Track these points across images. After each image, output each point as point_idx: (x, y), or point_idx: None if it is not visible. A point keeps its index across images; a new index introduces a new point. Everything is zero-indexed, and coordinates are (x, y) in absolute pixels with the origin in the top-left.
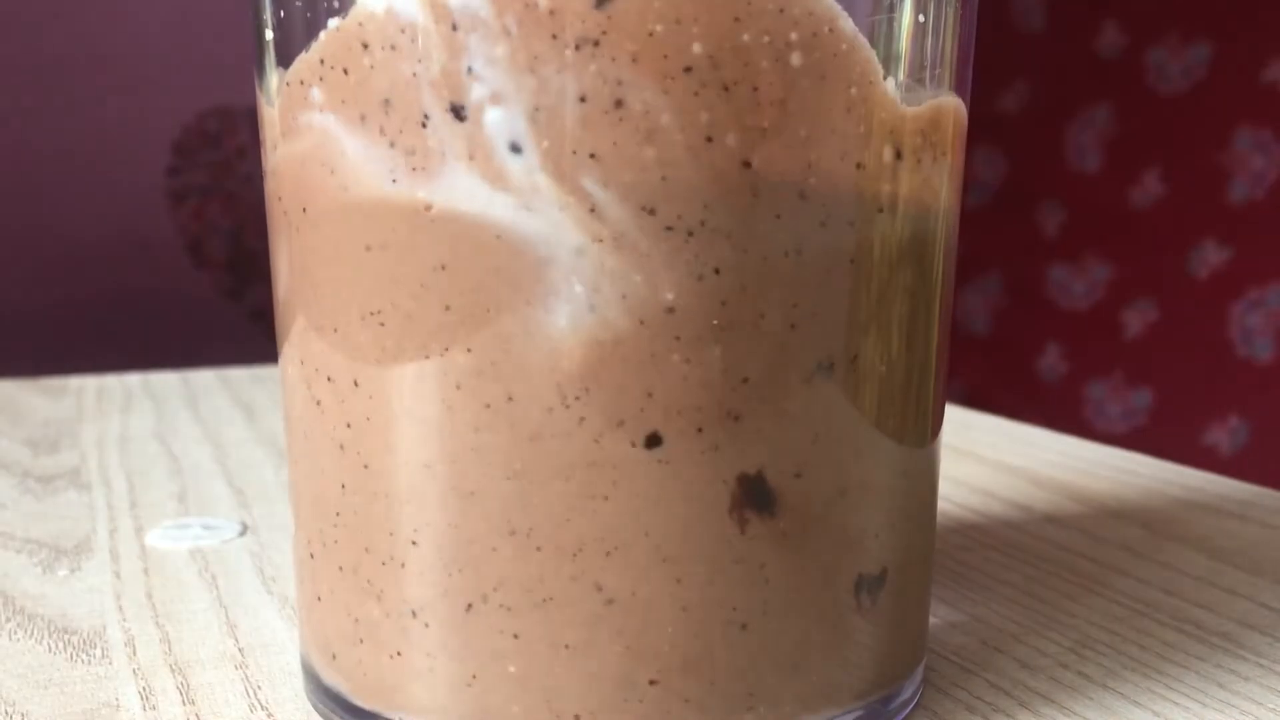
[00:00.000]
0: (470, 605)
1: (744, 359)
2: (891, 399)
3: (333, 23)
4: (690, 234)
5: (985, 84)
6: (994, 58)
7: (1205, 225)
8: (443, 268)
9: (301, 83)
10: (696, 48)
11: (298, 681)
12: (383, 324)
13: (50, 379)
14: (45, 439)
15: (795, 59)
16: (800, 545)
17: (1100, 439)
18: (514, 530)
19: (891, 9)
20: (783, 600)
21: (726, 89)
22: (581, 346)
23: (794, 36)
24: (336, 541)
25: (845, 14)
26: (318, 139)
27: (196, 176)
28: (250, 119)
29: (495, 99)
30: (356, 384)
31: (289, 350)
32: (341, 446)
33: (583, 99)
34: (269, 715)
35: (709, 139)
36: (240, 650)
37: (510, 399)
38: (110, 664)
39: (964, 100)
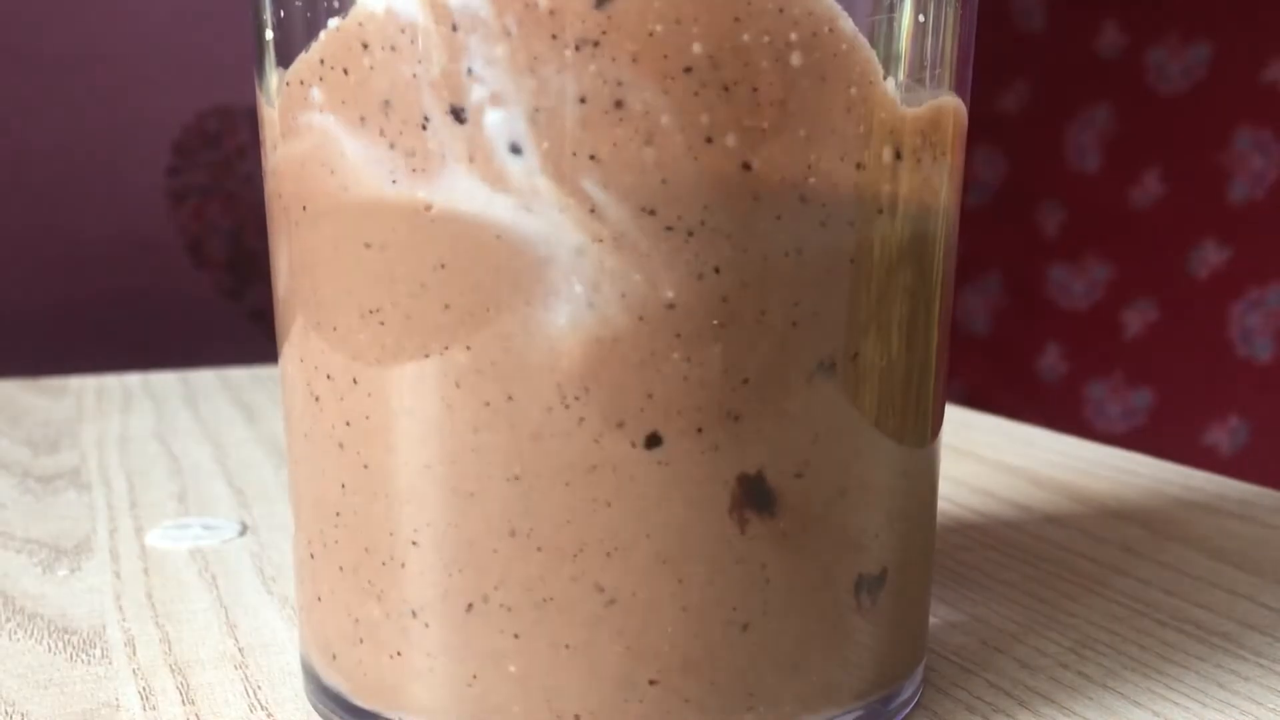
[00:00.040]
0: (471, 605)
1: (744, 357)
2: (891, 398)
3: (333, 23)
4: (690, 234)
5: (985, 84)
6: (994, 58)
7: (1205, 225)
8: (442, 267)
9: (301, 83)
10: (696, 48)
11: (298, 681)
12: (382, 322)
13: (50, 379)
14: (45, 439)
15: (795, 59)
16: (800, 545)
17: (1100, 439)
18: (514, 531)
19: (891, 9)
20: (783, 600)
21: (726, 89)
22: (581, 345)
23: (794, 36)
24: (336, 541)
25: (845, 14)
26: (318, 139)
27: (196, 176)
28: (250, 119)
29: (495, 100)
30: (356, 382)
31: (289, 349)
32: (341, 445)
33: (583, 100)
34: (269, 715)
35: (709, 139)
36: (240, 650)
37: (510, 398)
38: (110, 664)
39: (964, 100)
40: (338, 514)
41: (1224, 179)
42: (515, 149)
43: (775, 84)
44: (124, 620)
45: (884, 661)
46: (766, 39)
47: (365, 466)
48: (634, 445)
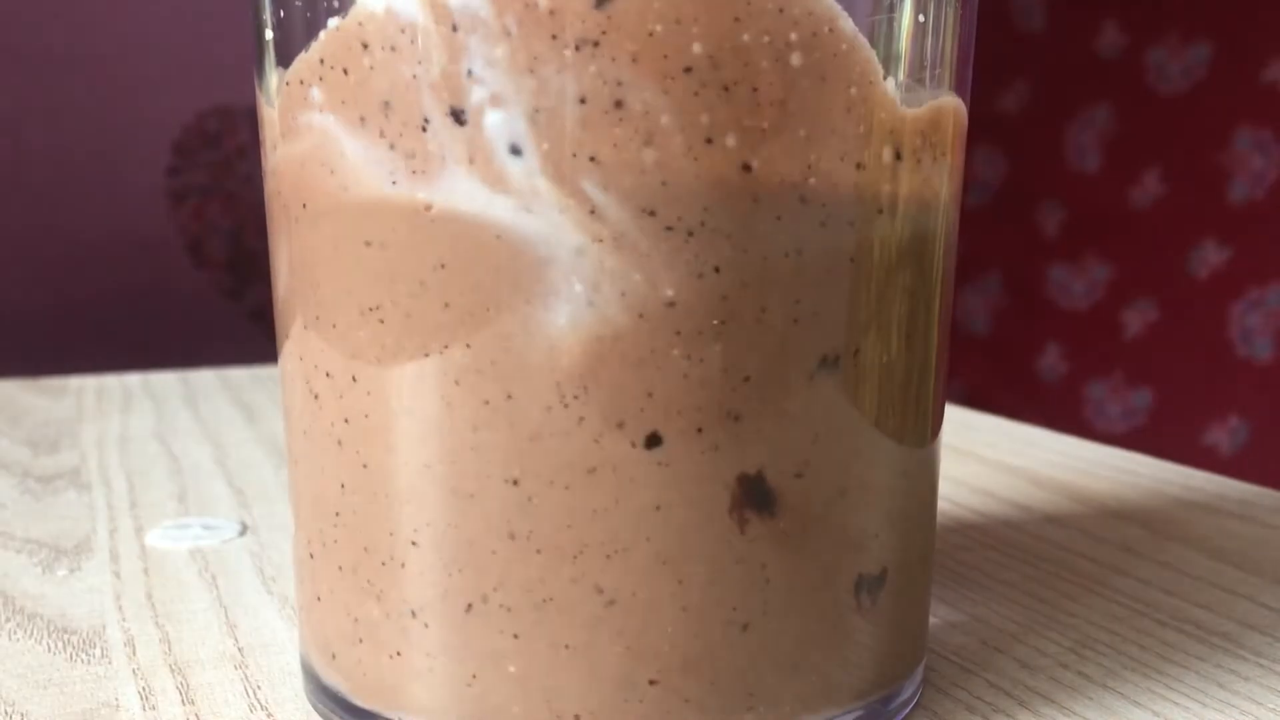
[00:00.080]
0: (470, 606)
1: (744, 356)
2: (891, 398)
3: (333, 22)
4: (690, 234)
5: (985, 84)
6: (994, 58)
7: (1205, 225)
8: (442, 266)
9: (301, 82)
10: (696, 48)
11: (297, 681)
12: (382, 320)
13: (50, 379)
14: (45, 439)
15: (795, 59)
16: (800, 545)
17: (1100, 439)
18: (513, 533)
19: (891, 9)
20: (783, 600)
21: (726, 89)
22: (581, 344)
23: (794, 37)
24: (336, 541)
25: (845, 14)
26: (317, 139)
27: (196, 176)
28: (250, 119)
29: (495, 101)
30: (355, 380)
31: (288, 347)
32: (340, 443)
33: (582, 100)
34: (269, 715)
35: (709, 140)
36: (240, 650)
37: (509, 397)
38: (110, 664)
39: (964, 100)
40: (337, 514)
41: (1224, 179)
42: (515, 150)
43: (775, 84)
44: (124, 620)
45: (884, 661)
46: (766, 39)
47: (364, 465)
48: (634, 445)
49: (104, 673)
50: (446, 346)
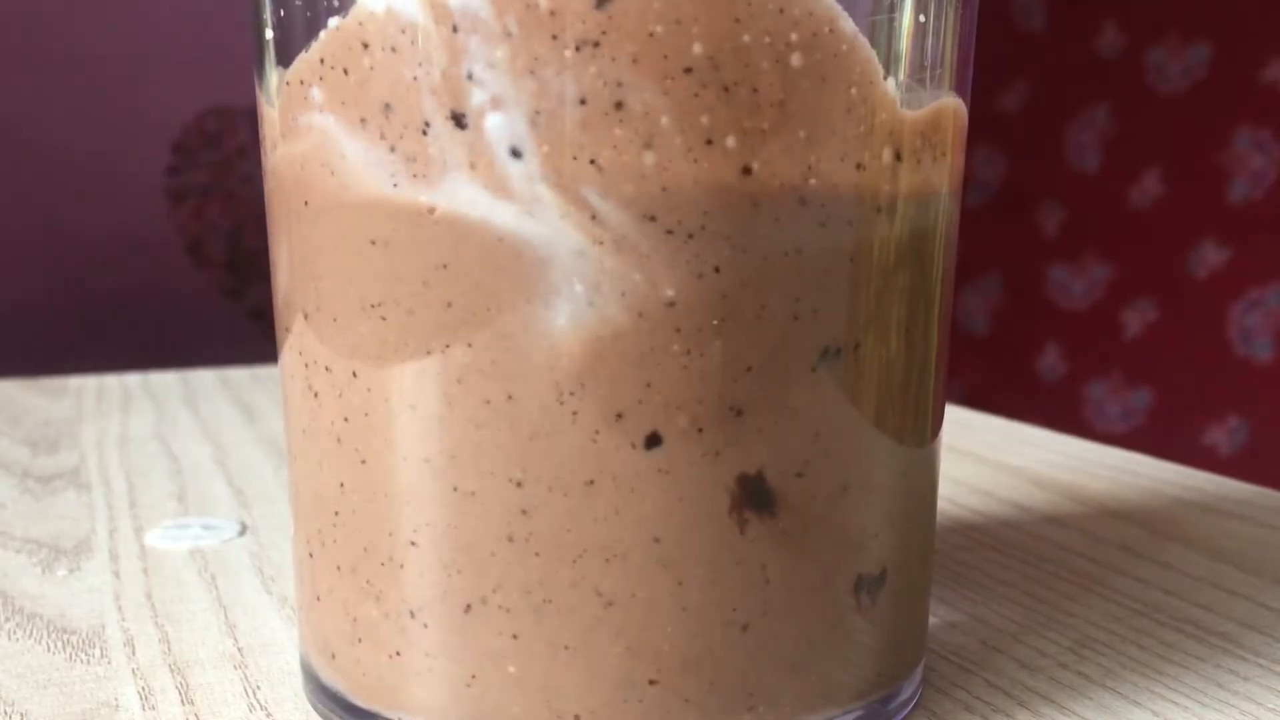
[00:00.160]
0: (469, 606)
1: (744, 354)
2: (891, 397)
3: (333, 22)
4: (690, 236)
5: (985, 84)
6: (994, 58)
7: (1205, 225)
8: (445, 266)
9: (301, 82)
10: (697, 48)
11: (297, 681)
12: (384, 318)
13: (50, 379)
14: (45, 439)
15: (795, 60)
16: (800, 545)
17: (1100, 439)
18: (512, 536)
19: (892, 9)
20: (783, 600)
21: (727, 90)
22: (581, 343)
23: (794, 37)
24: (335, 541)
25: (845, 14)
26: (318, 140)
27: (196, 176)
28: (250, 119)
29: (495, 103)
30: (355, 376)
31: (288, 345)
32: (339, 441)
33: (583, 101)
34: (268, 715)
35: (709, 141)
36: (239, 650)
37: (510, 397)
38: (109, 664)
39: (964, 100)
40: (336, 513)
41: (1224, 179)
42: (516, 153)
43: (775, 85)
44: (123, 620)
45: (883, 661)
46: (767, 39)
47: (363, 462)
48: (634, 446)
49: (103, 673)
50: (448, 345)
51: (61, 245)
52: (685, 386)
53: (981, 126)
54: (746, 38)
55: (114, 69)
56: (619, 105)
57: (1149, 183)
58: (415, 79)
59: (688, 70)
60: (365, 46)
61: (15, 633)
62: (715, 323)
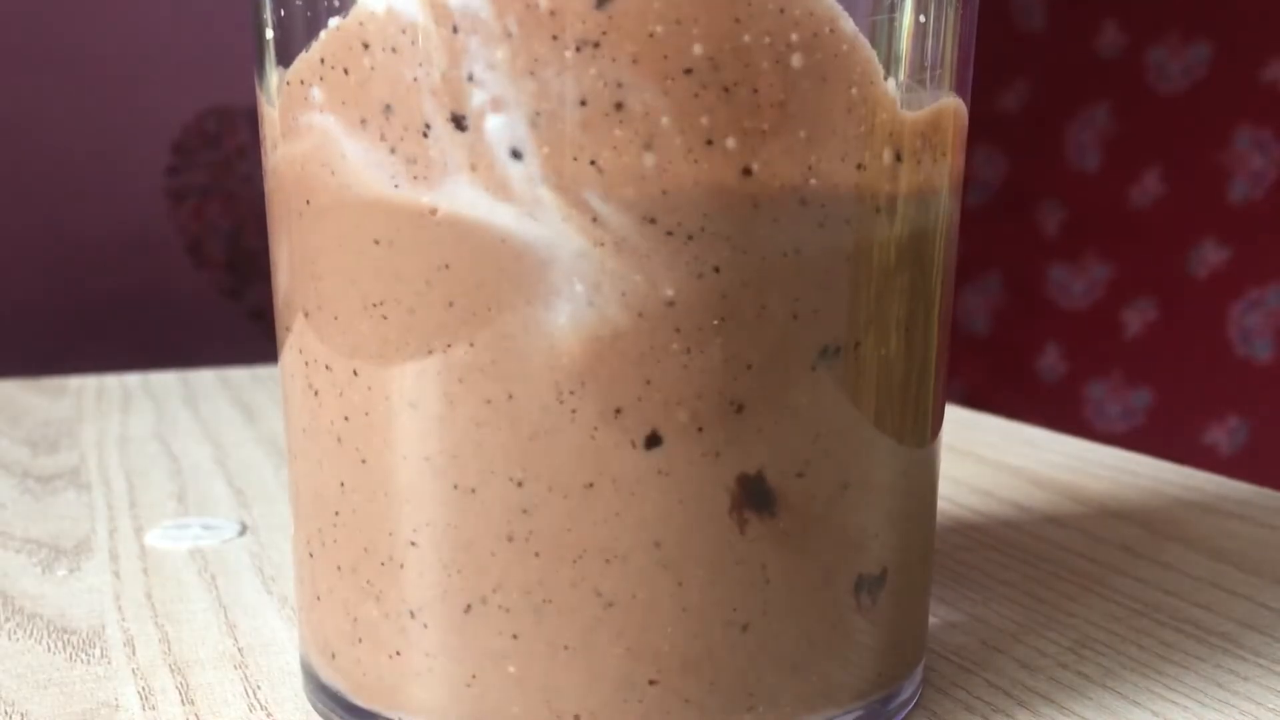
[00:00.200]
0: (469, 606)
1: (744, 353)
2: (891, 397)
3: (333, 22)
4: (690, 238)
5: (985, 84)
6: (994, 58)
7: (1205, 225)
8: (446, 266)
9: (302, 82)
10: (697, 49)
11: (297, 681)
12: (385, 317)
13: (50, 379)
14: (45, 439)
15: (796, 60)
16: (800, 545)
17: (1100, 439)
18: (512, 535)
19: (892, 9)
20: (783, 600)
21: (727, 90)
22: (581, 343)
23: (794, 37)
24: (335, 541)
25: (846, 14)
26: (318, 140)
27: (196, 176)
28: (250, 119)
29: (496, 105)
30: (355, 375)
31: (289, 343)
32: (339, 440)
33: (583, 102)
34: (268, 715)
35: (709, 142)
36: (239, 650)
37: (510, 396)
38: (109, 664)
39: (964, 100)
40: (336, 513)
41: (1224, 179)
42: (516, 154)
43: (776, 85)
44: (123, 620)
45: (884, 661)
46: (767, 40)
47: (364, 462)
48: (634, 445)
49: (104, 673)
50: (449, 345)
51: (61, 245)
52: (685, 386)
53: (981, 126)
54: (747, 38)
55: (114, 69)
56: (619, 106)
57: (1149, 182)
58: (415, 80)
59: (688, 71)
60: (366, 47)
61: (15, 633)
62: (715, 323)
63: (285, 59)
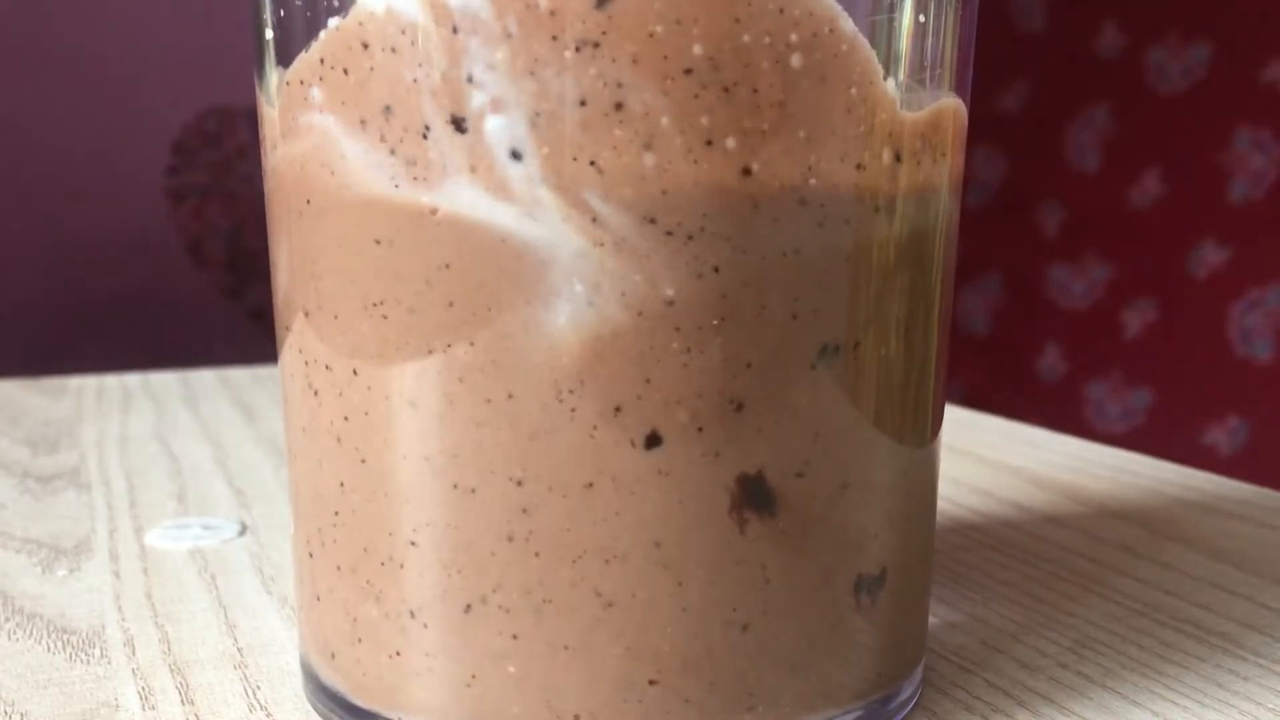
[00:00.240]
0: (469, 606)
1: (743, 353)
2: (891, 397)
3: (333, 22)
4: (690, 238)
5: (985, 84)
6: (994, 58)
7: (1205, 225)
8: (447, 266)
9: (301, 82)
10: (697, 49)
11: (297, 681)
12: (385, 317)
13: (50, 379)
14: (45, 439)
15: (795, 60)
16: (800, 545)
17: (1100, 439)
18: (512, 535)
19: (891, 9)
20: (782, 600)
21: (726, 90)
22: (580, 342)
23: (794, 38)
24: (335, 541)
25: (845, 14)
26: (318, 140)
27: (196, 176)
28: (250, 119)
29: (495, 106)
30: (355, 375)
31: (289, 343)
32: (339, 440)
33: (583, 102)
34: (268, 715)
35: (709, 142)
36: (239, 650)
37: (510, 396)
38: (109, 664)
39: (964, 101)
40: (336, 513)
41: (1224, 179)
42: (515, 155)
43: (775, 85)
44: (123, 620)
45: (883, 661)
46: (767, 40)
47: (363, 461)
48: (634, 445)
49: (103, 673)
50: (449, 344)
51: (61, 245)
52: (685, 386)
53: (981, 126)
54: (746, 38)
55: (114, 69)
56: (619, 106)
57: (1149, 183)
58: (415, 81)
59: (688, 71)
60: (365, 47)
61: (15, 633)
62: (715, 322)
63: (285, 59)
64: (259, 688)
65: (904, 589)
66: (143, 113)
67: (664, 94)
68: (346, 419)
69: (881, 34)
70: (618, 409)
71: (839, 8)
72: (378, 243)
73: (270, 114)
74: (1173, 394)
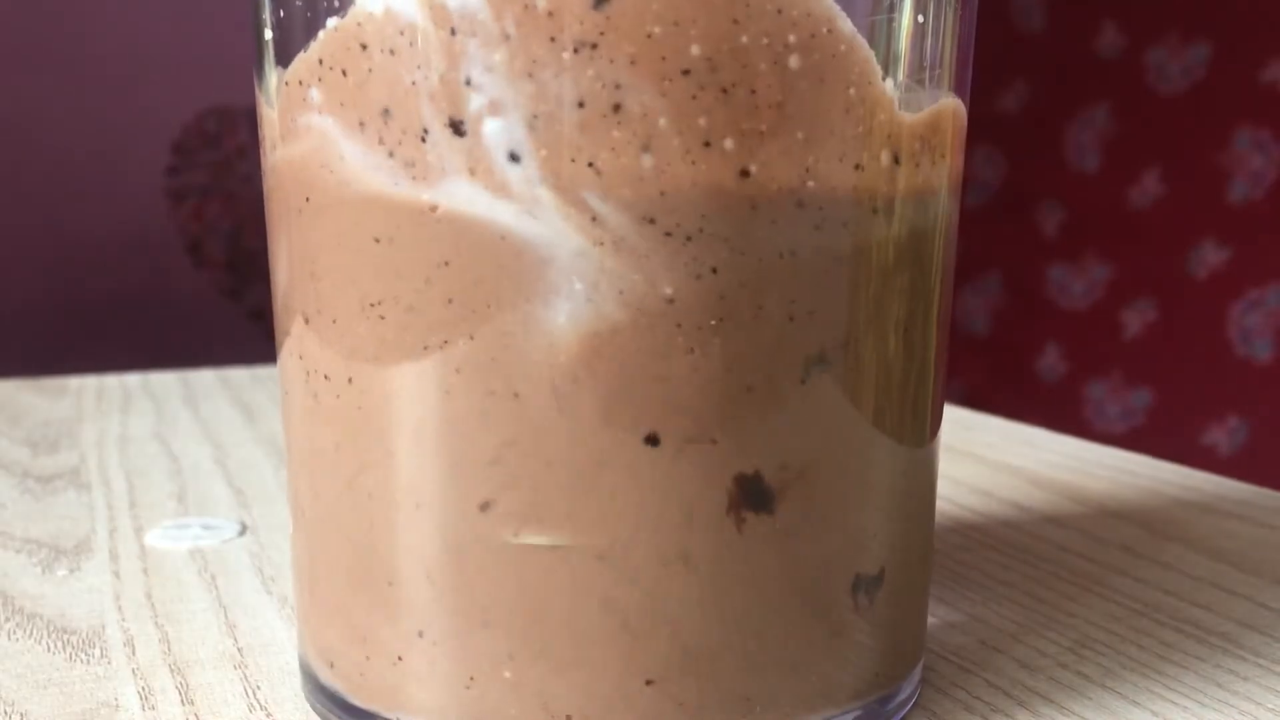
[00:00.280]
0: (468, 608)
1: (742, 353)
2: (890, 398)
3: (331, 22)
4: (689, 239)
5: (985, 84)
6: (994, 58)
7: (1205, 225)
8: (446, 264)
9: (300, 83)
10: (695, 50)
11: (296, 681)
12: (383, 316)
13: (50, 379)
14: (45, 439)
15: (793, 61)
16: (798, 545)
17: (1100, 439)
18: (512, 532)
19: (890, 10)
20: (780, 600)
21: (725, 91)
22: (578, 341)
23: (792, 38)
24: (333, 543)
25: (844, 15)
26: (317, 141)
27: (196, 176)
28: (250, 119)
29: (494, 108)
30: (351, 380)
31: (288, 346)
32: (337, 440)
33: (581, 104)
34: (268, 715)
35: (707, 144)
36: (239, 650)
37: (509, 395)
38: (109, 664)
39: (963, 101)
40: (335, 513)
41: (1223, 179)
42: (514, 157)
43: (774, 86)
44: (123, 620)
45: (882, 661)
46: (765, 41)
47: (362, 462)
48: (632, 444)
49: (103, 673)
50: (446, 342)
51: (61, 245)
52: (683, 385)
53: (981, 126)
54: (745, 39)
55: (114, 69)
56: (617, 108)
57: (1149, 183)
58: (414, 84)
59: (686, 72)
60: (364, 48)
61: (15, 633)
62: (713, 323)
63: (284, 59)
64: (259, 688)
65: (902, 589)
66: (143, 113)
67: (662, 95)
68: (346, 420)
69: (880, 34)
70: (616, 408)
71: (837, 8)
72: (377, 241)
73: (270, 115)
74: (1172, 394)
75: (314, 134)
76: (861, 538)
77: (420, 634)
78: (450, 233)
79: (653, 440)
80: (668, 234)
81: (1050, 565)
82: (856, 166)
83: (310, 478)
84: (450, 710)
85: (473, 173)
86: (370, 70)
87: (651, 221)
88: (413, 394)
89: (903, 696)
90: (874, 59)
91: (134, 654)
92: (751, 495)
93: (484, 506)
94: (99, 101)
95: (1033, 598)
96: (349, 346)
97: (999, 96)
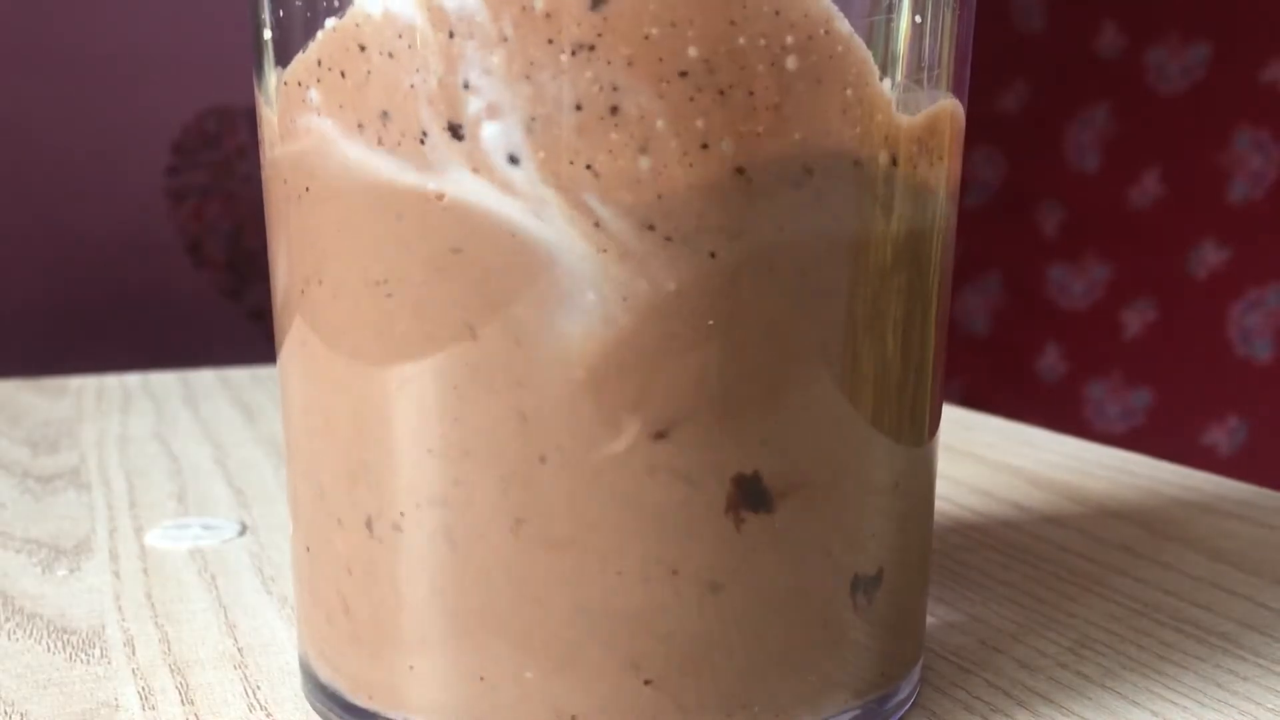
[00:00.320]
0: (470, 606)
1: (741, 354)
2: (888, 398)
3: (330, 23)
4: (686, 240)
5: (985, 84)
6: (994, 58)
7: (1205, 225)
8: (456, 251)
9: (299, 84)
10: (692, 51)
11: (296, 681)
12: (386, 312)
13: (50, 379)
14: (45, 439)
15: (791, 62)
16: (796, 545)
17: (1099, 439)
18: (513, 531)
19: (889, 10)
20: (779, 600)
21: (722, 93)
22: (581, 342)
23: (790, 39)
24: (333, 541)
25: (841, 15)
26: (316, 142)
27: (196, 176)
28: (250, 119)
29: (491, 111)
30: (355, 372)
31: (288, 343)
32: (338, 439)
33: (578, 106)
34: (268, 715)
35: (704, 145)
36: (239, 650)
37: (510, 393)
38: (109, 664)
39: (962, 101)
40: (334, 513)
41: (1223, 179)
42: (513, 159)
43: (771, 87)
44: (123, 620)
45: (881, 661)
46: (762, 42)
47: (363, 460)
48: (632, 444)
49: (103, 673)
50: (451, 340)
51: (61, 245)
52: (681, 385)
53: (981, 127)
54: (742, 40)
55: (114, 69)
56: (614, 110)
57: (1149, 183)
58: (412, 87)
59: (683, 73)
60: (362, 49)
61: (15, 633)
62: (711, 324)
63: (283, 60)
64: (259, 688)
65: (901, 589)
66: (143, 113)
67: (659, 97)
68: (346, 418)
69: (878, 35)
70: (617, 414)
71: (835, 9)
72: (377, 236)
73: (269, 115)
74: (1172, 394)
75: (313, 135)
76: (860, 538)
77: (421, 635)
78: (458, 220)
79: (652, 440)
80: (668, 239)
81: (1050, 565)
82: (854, 167)
83: (310, 471)
84: (450, 710)
85: (475, 172)
86: (369, 72)
87: (649, 224)
88: (415, 392)
89: (902, 696)
90: (872, 60)
91: (134, 654)
92: (750, 495)
93: (486, 504)
94: (99, 101)
95: (1033, 598)
96: (351, 344)
97: (999, 96)
